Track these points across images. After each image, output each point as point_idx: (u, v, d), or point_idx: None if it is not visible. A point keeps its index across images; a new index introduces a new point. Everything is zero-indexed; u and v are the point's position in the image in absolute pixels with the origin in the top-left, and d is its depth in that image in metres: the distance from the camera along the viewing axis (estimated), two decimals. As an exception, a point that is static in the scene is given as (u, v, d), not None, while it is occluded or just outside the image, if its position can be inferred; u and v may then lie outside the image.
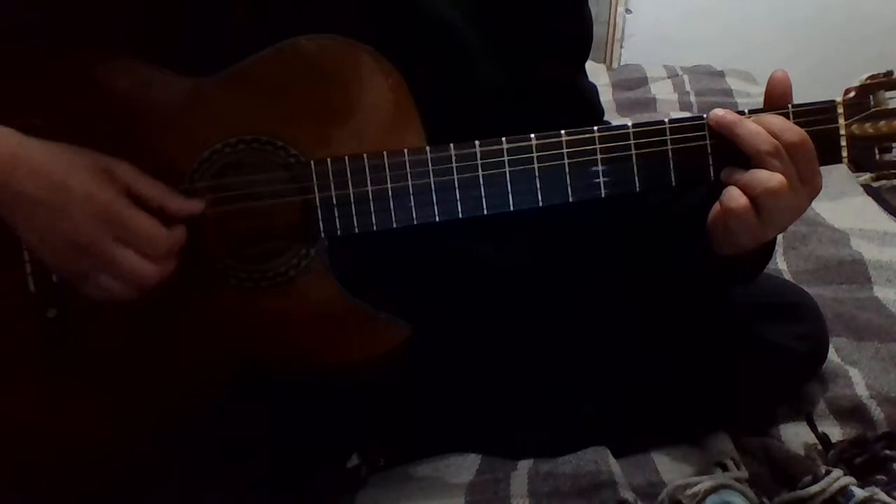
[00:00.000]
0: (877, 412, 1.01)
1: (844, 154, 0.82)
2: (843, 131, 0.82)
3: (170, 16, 0.82)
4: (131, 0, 0.82)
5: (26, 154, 0.73)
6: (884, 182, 0.84)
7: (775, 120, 0.80)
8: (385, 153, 0.81)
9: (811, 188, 0.80)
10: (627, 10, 3.05)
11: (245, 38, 0.82)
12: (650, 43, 2.99)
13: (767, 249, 0.90)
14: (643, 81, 2.43)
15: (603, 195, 0.83)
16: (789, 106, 0.82)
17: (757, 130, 0.79)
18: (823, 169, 0.81)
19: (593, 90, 1.03)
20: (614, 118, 2.02)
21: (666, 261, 0.96)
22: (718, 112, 0.81)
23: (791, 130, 0.79)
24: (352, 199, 0.82)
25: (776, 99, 0.82)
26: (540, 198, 0.82)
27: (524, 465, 0.98)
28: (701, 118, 0.82)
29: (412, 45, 0.84)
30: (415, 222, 0.82)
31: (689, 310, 1.01)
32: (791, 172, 0.79)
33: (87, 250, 0.75)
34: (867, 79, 0.82)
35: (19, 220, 0.74)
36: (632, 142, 0.82)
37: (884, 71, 0.82)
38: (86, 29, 0.80)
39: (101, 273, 0.76)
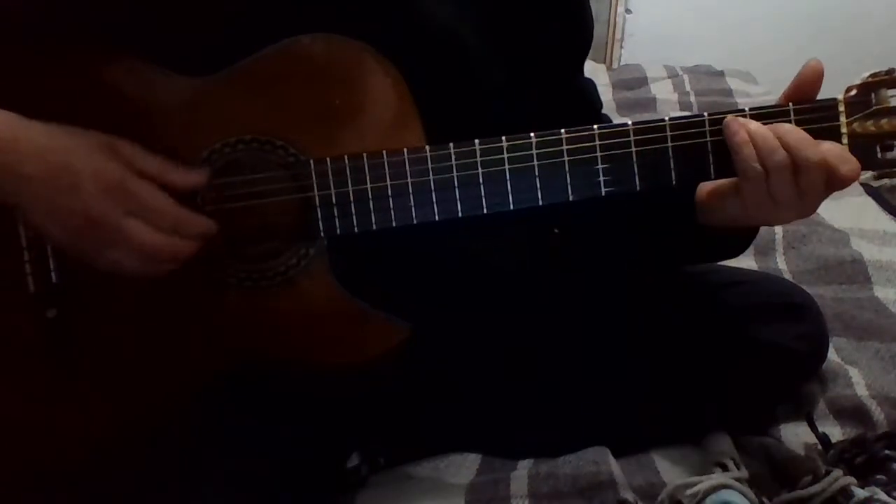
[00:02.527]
0: (877, 412, 1.01)
1: (846, 152, 0.82)
2: (844, 129, 0.82)
3: (170, 15, 0.82)
4: (132, 0, 0.82)
5: (29, 137, 0.74)
6: (885, 181, 0.84)
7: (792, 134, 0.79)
8: (384, 152, 0.81)
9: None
10: (627, 10, 3.05)
11: (245, 38, 0.82)
12: (650, 43, 2.99)
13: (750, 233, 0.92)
14: (643, 81, 2.43)
15: (603, 194, 0.83)
16: (790, 104, 0.82)
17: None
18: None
19: (591, 86, 1.03)
20: (614, 118, 2.01)
21: (651, 232, 0.96)
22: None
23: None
24: (351, 199, 0.82)
25: (805, 88, 0.82)
26: (540, 196, 0.82)
27: (524, 466, 0.98)
28: (701, 116, 0.82)
29: (412, 46, 0.84)
30: (414, 221, 0.82)
31: (690, 309, 1.01)
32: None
33: (98, 225, 0.75)
34: (869, 77, 0.82)
35: (28, 203, 0.74)
36: (632, 138, 0.82)
37: (885, 69, 0.82)
38: (86, 29, 0.80)
39: (110, 247, 0.76)
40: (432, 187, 0.82)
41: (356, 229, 0.82)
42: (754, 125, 0.80)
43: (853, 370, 1.09)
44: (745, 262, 1.40)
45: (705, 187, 0.86)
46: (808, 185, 0.79)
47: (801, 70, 0.83)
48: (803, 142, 0.78)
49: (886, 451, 0.91)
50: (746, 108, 0.82)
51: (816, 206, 0.82)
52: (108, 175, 0.75)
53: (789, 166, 0.78)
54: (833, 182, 0.79)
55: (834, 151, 0.79)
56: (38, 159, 0.73)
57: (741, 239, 0.94)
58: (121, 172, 0.76)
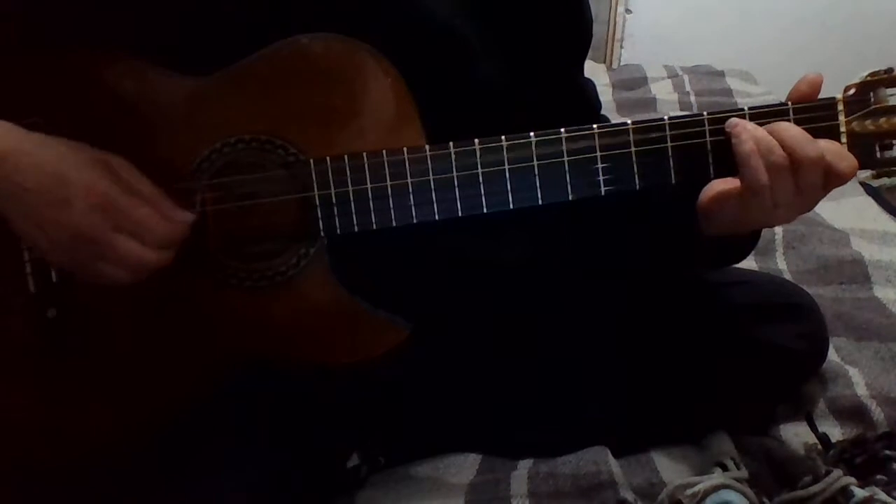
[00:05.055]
0: (877, 412, 1.01)
1: (845, 151, 0.82)
2: (843, 128, 0.82)
3: (170, 15, 0.82)
4: (132, 0, 0.82)
5: (26, 148, 0.74)
6: (884, 180, 0.84)
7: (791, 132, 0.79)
8: (384, 152, 0.81)
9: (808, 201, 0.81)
10: (627, 10, 3.05)
11: (245, 38, 0.82)
12: (650, 43, 2.99)
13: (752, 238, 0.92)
14: (643, 81, 2.43)
15: (603, 193, 0.83)
16: (789, 103, 0.82)
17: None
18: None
19: (591, 86, 1.03)
20: (614, 118, 2.01)
21: (650, 240, 0.96)
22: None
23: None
24: (351, 198, 0.82)
25: (799, 97, 0.82)
26: (540, 196, 0.82)
27: (524, 465, 0.98)
28: (701, 115, 0.82)
29: (412, 45, 0.84)
30: (414, 221, 0.82)
31: (689, 309, 1.01)
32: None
33: (87, 240, 0.75)
34: (868, 76, 0.82)
35: (19, 213, 0.74)
36: (631, 138, 0.82)
37: (884, 68, 0.82)
38: (86, 29, 0.80)
39: (99, 262, 0.76)
40: (432, 187, 0.82)
41: (356, 228, 0.82)
42: (760, 132, 0.79)
43: (853, 370, 1.09)
44: (745, 261, 1.39)
45: (706, 194, 0.86)
46: (807, 184, 0.79)
47: (798, 84, 0.83)
48: (801, 140, 0.78)
49: (886, 451, 0.91)
50: (745, 108, 0.82)
51: (814, 205, 0.82)
52: (99, 190, 0.75)
53: (788, 166, 0.78)
54: (831, 179, 0.79)
55: (831, 148, 0.79)
56: (32, 171, 0.73)
57: (743, 245, 0.93)
58: (112, 188, 0.76)
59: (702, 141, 0.82)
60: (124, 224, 0.76)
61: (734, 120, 0.81)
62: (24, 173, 0.73)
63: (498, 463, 1.00)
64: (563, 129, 0.82)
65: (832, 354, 1.11)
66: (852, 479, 0.86)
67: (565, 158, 0.82)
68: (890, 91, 0.81)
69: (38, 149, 0.74)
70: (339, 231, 0.83)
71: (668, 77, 2.45)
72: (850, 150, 0.81)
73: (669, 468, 0.97)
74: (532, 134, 0.82)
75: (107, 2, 0.81)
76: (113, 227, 0.76)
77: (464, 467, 0.99)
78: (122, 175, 0.77)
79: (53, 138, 0.76)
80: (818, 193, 0.80)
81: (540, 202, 0.82)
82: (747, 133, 0.79)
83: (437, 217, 0.82)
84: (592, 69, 2.53)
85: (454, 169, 0.82)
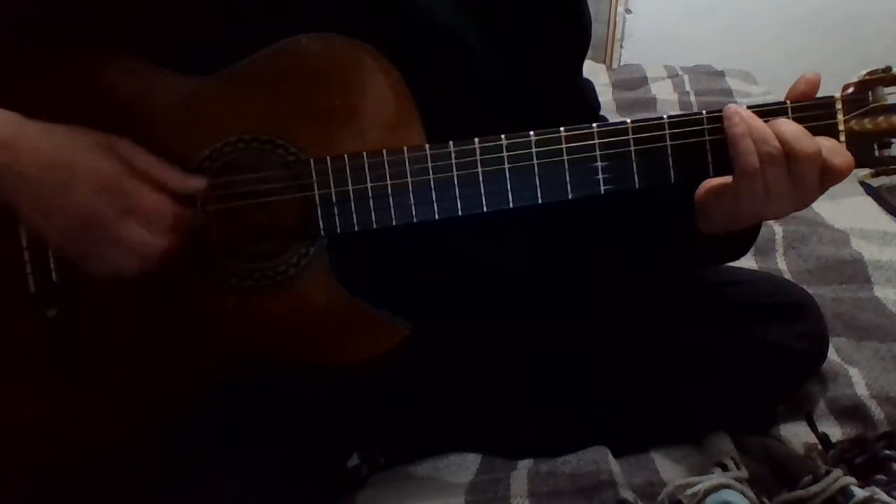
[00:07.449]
0: (877, 412, 1.01)
1: (843, 150, 0.82)
2: (841, 127, 0.82)
3: (171, 15, 0.82)
4: (132, 0, 0.82)
5: (27, 135, 0.74)
6: (883, 179, 0.84)
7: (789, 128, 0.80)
8: (384, 151, 0.81)
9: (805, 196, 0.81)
10: (627, 10, 3.05)
11: (245, 38, 0.82)
12: (650, 43, 2.99)
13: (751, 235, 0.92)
14: (643, 81, 2.43)
15: (602, 192, 0.83)
16: (788, 102, 0.82)
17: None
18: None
19: (590, 87, 1.04)
20: (614, 118, 2.01)
21: (649, 237, 0.96)
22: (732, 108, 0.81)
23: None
24: (351, 197, 0.82)
25: (797, 96, 0.83)
26: (539, 195, 0.82)
27: (524, 465, 0.98)
28: (699, 114, 0.82)
29: (411, 45, 0.84)
30: (414, 220, 0.82)
31: (689, 308, 1.02)
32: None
33: (93, 224, 0.75)
34: (866, 74, 0.82)
35: (23, 201, 0.75)
36: (630, 137, 0.82)
37: (882, 67, 0.82)
38: (86, 29, 0.80)
39: (106, 247, 0.76)
40: (432, 186, 0.82)
41: (356, 228, 0.83)
42: (755, 120, 0.80)
43: (853, 370, 1.09)
44: (745, 262, 1.40)
45: (703, 188, 0.86)
46: (802, 178, 0.79)
47: (796, 83, 0.83)
48: (798, 134, 0.79)
49: (886, 451, 0.91)
50: (744, 106, 0.82)
51: (811, 201, 0.82)
52: (104, 174, 0.75)
53: (783, 158, 0.78)
54: (827, 175, 0.79)
55: (827, 145, 0.80)
56: (35, 158, 0.74)
57: (741, 242, 0.94)
58: (117, 171, 0.76)
59: (701, 140, 0.82)
60: (130, 207, 0.76)
61: (730, 106, 0.81)
62: (27, 161, 0.73)
63: (498, 463, 1.00)
64: (562, 129, 0.82)
65: (832, 354, 1.11)
66: (852, 479, 0.86)
67: (565, 157, 0.82)
68: (888, 90, 0.82)
69: (38, 135, 0.74)
70: (339, 230, 0.83)
71: (668, 77, 2.45)
72: (848, 148, 0.81)
73: (669, 468, 0.97)
74: (532, 133, 0.82)
75: (108, 2, 0.81)
76: (119, 210, 0.76)
77: (464, 467, 0.99)
78: (127, 157, 0.77)
79: (54, 125, 0.76)
80: (814, 189, 0.80)
81: (540, 201, 0.83)
82: (738, 116, 0.80)
83: (437, 216, 0.83)
84: (592, 69, 2.52)
85: (454, 168, 0.82)
